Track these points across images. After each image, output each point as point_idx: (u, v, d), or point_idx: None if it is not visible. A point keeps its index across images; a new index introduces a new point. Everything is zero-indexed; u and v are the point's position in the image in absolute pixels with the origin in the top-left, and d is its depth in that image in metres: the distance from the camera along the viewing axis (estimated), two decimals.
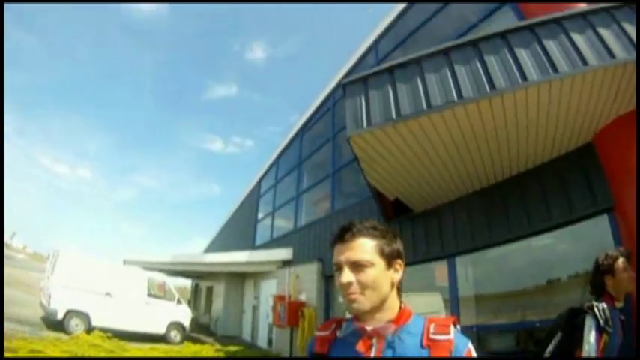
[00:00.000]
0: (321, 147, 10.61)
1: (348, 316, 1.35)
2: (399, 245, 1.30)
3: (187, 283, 26.11)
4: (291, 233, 11.73)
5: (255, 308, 13.83)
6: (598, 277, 2.66)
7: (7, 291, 13.45)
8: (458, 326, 1.27)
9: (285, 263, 11.12)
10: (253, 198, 15.81)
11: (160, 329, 11.67)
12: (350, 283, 1.20)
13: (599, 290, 2.64)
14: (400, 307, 1.29)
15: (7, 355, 3.97)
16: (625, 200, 4.07)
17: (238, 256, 12.82)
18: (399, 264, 1.29)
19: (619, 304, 2.63)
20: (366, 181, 5.59)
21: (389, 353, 1.21)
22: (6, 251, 37.77)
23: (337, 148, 9.55)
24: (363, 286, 1.20)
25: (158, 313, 11.76)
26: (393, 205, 6.45)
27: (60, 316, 9.95)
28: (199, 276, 20.15)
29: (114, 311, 10.76)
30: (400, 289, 1.31)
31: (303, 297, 9.68)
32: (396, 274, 1.28)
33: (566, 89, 3.65)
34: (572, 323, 2.58)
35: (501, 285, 6.02)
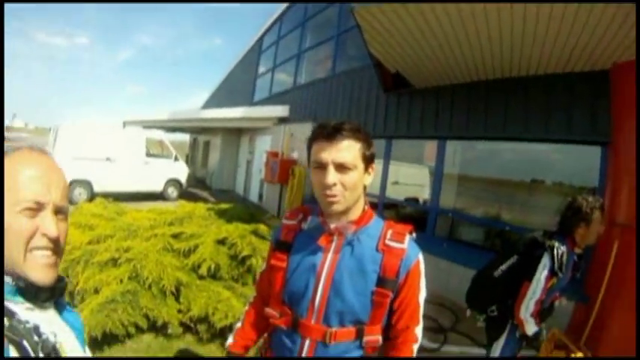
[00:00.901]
0: (328, 6, 9.87)
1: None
2: (374, 149, 1.33)
3: (186, 137, 26.57)
4: (289, 91, 11.52)
5: (249, 163, 14.26)
6: (571, 220, 2.65)
7: None
8: (414, 234, 1.36)
9: (282, 120, 11.11)
10: (255, 53, 15.17)
11: (158, 187, 12.12)
12: (334, 184, 1.23)
13: (566, 231, 2.66)
14: (363, 209, 1.36)
15: None
16: (621, 141, 3.99)
17: (235, 112, 12.83)
18: (372, 168, 1.34)
19: (578, 251, 2.70)
20: (368, 51, 5.33)
21: (347, 251, 1.32)
22: (7, 134, 37.44)
23: (344, 10, 8.88)
24: (345, 188, 1.24)
25: (156, 172, 12.09)
26: (393, 77, 6.24)
27: None
28: (197, 131, 20.42)
29: (114, 175, 11.08)
30: (365, 191, 1.36)
31: (295, 155, 9.86)
32: (369, 177, 1.33)
33: (596, 12, 3.27)
34: (529, 253, 2.67)
35: (486, 171, 6.19)
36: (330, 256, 1.32)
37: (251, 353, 1.70)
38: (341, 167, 1.24)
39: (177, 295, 3.70)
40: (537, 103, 4.91)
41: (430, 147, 6.47)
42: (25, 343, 0.73)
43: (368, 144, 1.29)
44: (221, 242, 4.21)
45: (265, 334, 1.60)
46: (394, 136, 6.99)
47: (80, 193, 10.55)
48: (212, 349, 3.54)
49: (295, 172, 9.10)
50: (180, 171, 13.15)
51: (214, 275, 3.98)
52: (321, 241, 1.34)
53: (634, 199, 3.71)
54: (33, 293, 0.82)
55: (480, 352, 3.98)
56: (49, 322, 0.83)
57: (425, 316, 1.45)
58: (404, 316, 1.35)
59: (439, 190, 6.19)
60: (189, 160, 22.92)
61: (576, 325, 3.96)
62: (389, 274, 1.29)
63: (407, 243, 1.33)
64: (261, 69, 14.64)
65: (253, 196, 13.05)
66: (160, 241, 4.11)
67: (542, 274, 2.53)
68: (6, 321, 0.73)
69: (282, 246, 1.42)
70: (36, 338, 0.75)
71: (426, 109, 6.42)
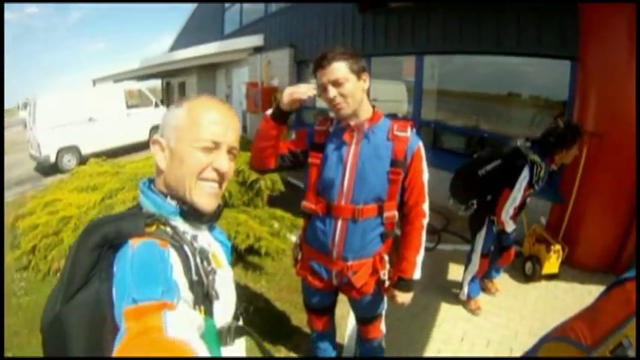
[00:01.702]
0: None
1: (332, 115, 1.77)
2: (363, 63, 1.67)
3: (157, 83, 25.53)
4: (261, 20, 11.27)
5: (228, 97, 14.09)
6: (553, 144, 2.97)
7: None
8: (414, 129, 1.76)
9: (257, 50, 10.97)
10: None
11: (144, 136, 11.84)
12: (334, 97, 1.61)
13: (546, 149, 2.98)
14: (373, 111, 1.74)
15: (30, 218, 4.05)
16: (589, 56, 4.24)
17: (208, 48, 12.54)
18: (366, 76, 1.67)
19: (554, 167, 3.07)
20: None
21: (365, 142, 1.70)
22: None
23: None
24: (344, 96, 1.62)
25: (140, 122, 11.83)
26: None
27: (53, 158, 10.07)
28: (170, 74, 19.79)
29: (99, 134, 10.83)
30: (369, 94, 1.74)
31: (275, 82, 9.86)
32: (365, 83, 1.67)
33: None
34: (512, 161, 2.99)
35: (464, 85, 6.42)
36: (352, 147, 1.71)
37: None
38: (335, 83, 1.60)
39: None
40: (509, 18, 5.09)
41: (408, 63, 6.67)
42: (185, 247, 0.82)
43: (354, 59, 1.63)
44: None
45: (300, 230, 1.99)
46: (373, 54, 7.12)
47: (69, 160, 10.40)
48: (236, 272, 3.71)
49: (278, 98, 9.04)
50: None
51: (227, 204, 4.18)
52: (346, 137, 1.72)
53: (601, 109, 4.10)
54: (194, 216, 0.92)
55: (468, 248, 4.58)
56: (204, 237, 0.96)
57: None
58: (413, 193, 1.75)
59: (420, 103, 6.49)
60: (166, 104, 22.36)
61: (554, 223, 4.43)
62: (399, 156, 1.69)
63: (409, 133, 1.73)
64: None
65: None
66: None
67: (521, 184, 2.90)
68: (169, 230, 0.83)
69: (315, 147, 1.79)
70: (195, 245, 0.85)
71: (402, 26, 6.53)
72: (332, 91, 1.61)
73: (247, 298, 3.40)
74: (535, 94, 5.61)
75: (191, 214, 0.91)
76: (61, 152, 10.27)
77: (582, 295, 3.74)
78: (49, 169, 10.06)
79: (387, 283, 1.82)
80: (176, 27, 24.14)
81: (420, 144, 1.75)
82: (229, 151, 0.94)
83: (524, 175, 2.90)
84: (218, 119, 0.91)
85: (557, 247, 3.87)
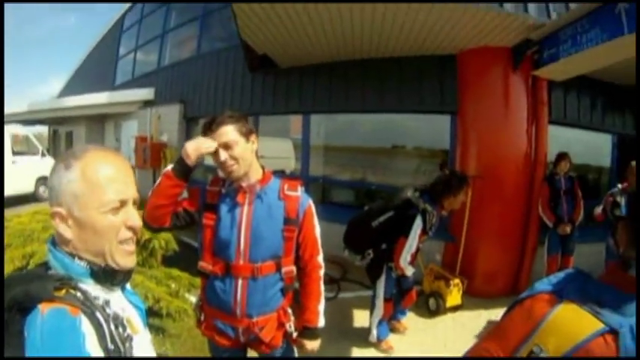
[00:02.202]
0: None
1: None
2: (250, 125, 1.77)
3: (43, 129, 23.65)
4: (153, 72, 11.03)
5: (117, 151, 13.35)
6: (441, 191, 3.23)
7: None
8: (303, 187, 1.86)
9: (147, 103, 10.63)
10: (115, 33, 14.07)
11: (30, 188, 10.71)
12: (225, 160, 1.66)
13: (435, 197, 3.22)
14: (263, 172, 1.81)
15: None
16: (467, 110, 4.92)
17: (98, 98, 11.97)
18: (254, 137, 1.76)
19: (445, 213, 3.33)
20: (238, 34, 5.44)
21: (258, 202, 1.76)
22: None
23: None
24: (235, 159, 1.67)
25: (25, 171, 10.60)
26: (259, 58, 6.43)
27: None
28: (58, 122, 18.40)
29: None
30: (257, 155, 1.81)
31: (165, 138, 9.56)
32: (254, 145, 1.75)
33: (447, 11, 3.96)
34: (404, 212, 3.19)
35: (350, 141, 6.77)
36: (245, 208, 1.75)
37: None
38: (226, 146, 1.66)
39: None
40: (392, 80, 5.56)
41: (295, 121, 6.89)
42: (97, 314, 0.78)
43: (242, 122, 1.72)
44: None
45: (200, 292, 1.94)
46: (261, 112, 7.24)
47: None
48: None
49: (167, 155, 8.87)
50: (50, 167, 11.72)
51: None
52: (239, 198, 1.76)
53: (481, 154, 4.75)
54: (106, 277, 0.87)
55: (369, 293, 4.62)
56: (117, 300, 0.90)
57: None
58: (307, 247, 1.85)
59: (307, 160, 6.63)
60: (52, 153, 20.59)
61: (449, 259, 4.85)
62: (291, 214, 1.78)
63: (300, 192, 1.83)
64: (122, 50, 13.67)
65: None
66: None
67: (416, 232, 3.10)
68: (80, 295, 0.79)
69: (209, 208, 1.80)
70: (107, 311, 0.81)
71: (290, 86, 6.77)
72: (223, 155, 1.66)
73: None
74: (418, 145, 6.07)
75: (103, 275, 0.87)
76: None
77: (488, 319, 4.02)
78: None
79: (294, 334, 1.87)
80: (68, 70, 22.90)
81: (310, 201, 1.86)
82: (134, 203, 0.91)
83: (418, 223, 3.09)
84: (117, 175, 0.87)
85: (456, 280, 4.17)
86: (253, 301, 1.75)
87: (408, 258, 3.14)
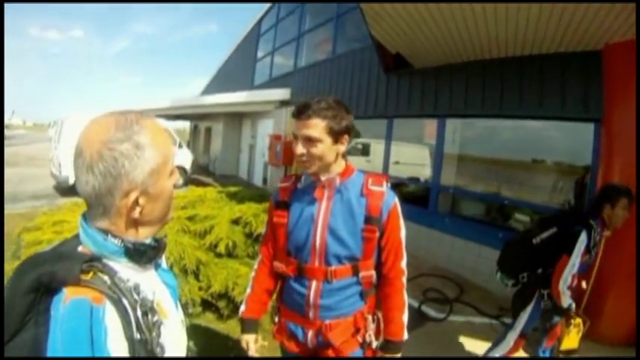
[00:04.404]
0: None
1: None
2: (347, 122, 1.55)
3: (186, 124, 26.42)
4: (290, 74, 11.54)
5: (252, 147, 14.33)
6: (599, 202, 2.92)
7: (18, 170, 13.76)
8: (389, 184, 1.64)
9: (283, 104, 11.12)
10: (253, 37, 15.10)
11: None
12: (302, 154, 1.53)
13: (595, 212, 2.89)
14: (346, 165, 1.64)
15: (36, 233, 4.08)
16: (614, 117, 4.18)
17: (237, 97, 12.83)
18: (345, 139, 1.57)
19: (607, 233, 2.96)
20: (369, 33, 5.44)
21: (337, 198, 1.59)
22: (7, 132, 37.08)
23: None
24: (312, 156, 1.52)
25: None
26: (393, 58, 6.36)
27: (71, 181, 10.02)
28: (198, 117, 20.41)
29: None
30: (345, 155, 1.64)
31: None
32: (342, 146, 1.57)
33: None
34: (568, 227, 2.86)
35: (487, 151, 6.32)
36: (323, 204, 1.60)
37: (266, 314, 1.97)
38: (307, 140, 1.51)
39: (197, 273, 3.84)
40: (531, 82, 5.06)
41: (430, 126, 6.62)
42: (124, 300, 0.76)
43: (337, 120, 1.51)
44: (235, 222, 4.33)
45: (276, 292, 1.87)
46: (395, 115, 7.12)
47: None
48: (232, 325, 3.72)
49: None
50: (185, 158, 13.22)
51: (230, 254, 4.12)
52: (316, 193, 1.61)
53: (622, 172, 3.95)
54: (141, 254, 0.86)
55: (482, 320, 4.23)
56: (148, 281, 0.88)
57: (430, 289, 1.73)
58: (391, 252, 1.64)
59: (440, 168, 6.37)
60: (191, 147, 23.02)
61: (574, 294, 4.18)
62: (374, 212, 1.57)
63: (385, 187, 1.61)
64: (260, 53, 14.62)
65: (257, 180, 13.17)
66: (177, 223, 4.21)
67: (580, 249, 2.73)
68: (107, 279, 0.76)
69: (281, 205, 1.69)
70: (135, 296, 0.79)
71: (425, 88, 6.55)
72: (299, 148, 1.53)
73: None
74: (559, 160, 5.48)
75: (136, 252, 0.84)
76: None
77: None
78: (66, 189, 10.08)
79: (374, 344, 1.68)
80: (210, 72, 25.20)
81: (397, 200, 1.63)
82: None
83: (582, 239, 2.74)
84: (169, 140, 0.89)
85: (578, 320, 3.57)
86: (328, 304, 1.63)
87: (569, 280, 2.77)
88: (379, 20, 4.82)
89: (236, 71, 17.60)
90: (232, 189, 6.06)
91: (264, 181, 12.34)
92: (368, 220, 1.56)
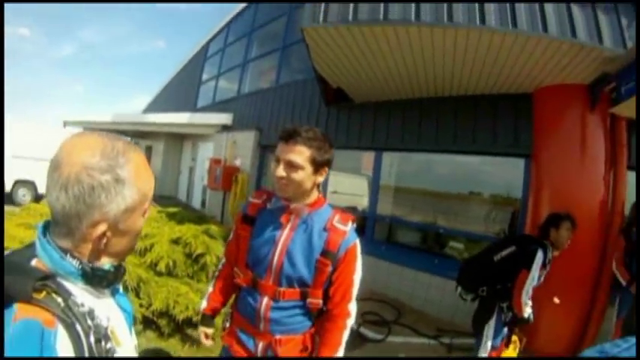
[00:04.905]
0: (276, 18, 10.06)
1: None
2: (329, 156, 1.64)
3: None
4: (233, 99, 11.56)
5: (191, 170, 14.06)
6: (545, 227, 3.26)
7: None
8: (354, 224, 1.71)
9: (225, 128, 11.10)
10: (200, 59, 15.01)
11: None
12: (282, 177, 1.57)
13: (543, 235, 3.23)
14: (318, 197, 1.71)
15: None
16: (542, 153, 4.63)
17: (179, 118, 12.69)
18: (325, 171, 1.65)
19: (556, 254, 3.25)
20: (313, 67, 5.63)
21: (301, 228, 1.66)
22: None
23: (292, 23, 9.14)
24: (291, 181, 1.57)
25: None
26: (334, 92, 6.59)
27: (8, 188, 9.74)
28: (140, 135, 19.77)
29: None
30: (320, 187, 1.72)
31: (238, 163, 9.87)
32: (320, 177, 1.65)
33: (521, 41, 3.79)
34: (526, 246, 3.17)
35: (423, 183, 6.65)
36: (286, 231, 1.67)
37: (220, 314, 2.02)
38: (289, 165, 1.56)
39: (138, 291, 3.79)
40: (466, 119, 5.47)
41: (367, 158, 6.88)
42: (77, 326, 0.72)
43: (321, 151, 1.59)
44: (175, 242, 4.35)
45: (233, 296, 1.92)
46: (334, 146, 7.24)
47: (24, 195, 10.06)
48: (173, 343, 3.68)
49: (238, 179, 9.16)
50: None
51: (170, 273, 4.12)
52: (282, 218, 1.68)
53: (550, 203, 4.36)
54: (99, 278, 0.81)
55: (420, 340, 4.44)
56: (104, 307, 0.84)
57: (369, 312, 1.79)
58: (340, 289, 1.67)
59: (376, 198, 6.60)
60: None
61: None
62: (331, 247, 1.62)
63: (349, 227, 1.68)
64: (205, 75, 14.54)
65: (196, 203, 12.91)
66: None
67: (538, 264, 3.03)
68: (61, 301, 0.72)
69: (247, 220, 1.77)
70: (89, 322, 0.75)
71: (364, 122, 6.84)
72: (280, 171, 1.57)
73: None
74: (495, 192, 5.85)
75: (94, 276, 0.80)
76: (17, 184, 9.89)
77: None
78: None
79: None
80: (153, 90, 24.55)
81: (357, 242, 1.69)
82: None
83: (539, 255, 3.04)
84: (151, 177, 0.87)
85: (514, 337, 3.80)
86: (276, 318, 1.67)
87: (530, 291, 3.04)
88: (323, 55, 5.01)
89: (180, 91, 17.32)
90: (172, 209, 5.97)
91: (203, 203, 12.08)
92: (324, 252, 1.62)
